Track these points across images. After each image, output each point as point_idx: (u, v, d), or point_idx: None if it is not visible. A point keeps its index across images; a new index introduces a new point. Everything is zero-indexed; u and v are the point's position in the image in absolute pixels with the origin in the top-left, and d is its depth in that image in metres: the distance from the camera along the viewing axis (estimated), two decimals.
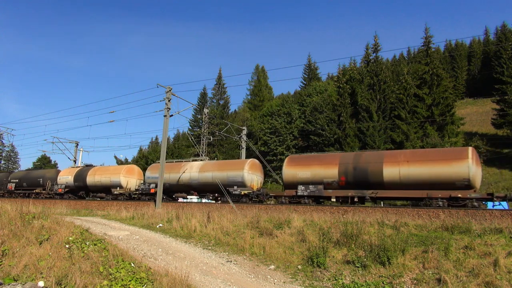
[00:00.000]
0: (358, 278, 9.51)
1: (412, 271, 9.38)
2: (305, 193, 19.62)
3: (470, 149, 16.72)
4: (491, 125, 42.35)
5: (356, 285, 9.16)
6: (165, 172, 24.43)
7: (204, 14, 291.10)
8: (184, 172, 25.10)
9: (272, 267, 10.62)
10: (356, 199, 18.29)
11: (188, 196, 25.84)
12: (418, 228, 12.08)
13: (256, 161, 24.52)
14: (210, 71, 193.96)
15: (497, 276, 8.37)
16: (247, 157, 31.97)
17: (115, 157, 70.05)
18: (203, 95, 56.84)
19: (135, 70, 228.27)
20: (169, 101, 23.63)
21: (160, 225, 15.89)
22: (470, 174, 15.86)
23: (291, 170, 20.49)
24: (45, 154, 61.93)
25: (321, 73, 67.36)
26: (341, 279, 9.56)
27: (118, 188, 28.33)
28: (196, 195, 25.43)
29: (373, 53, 40.27)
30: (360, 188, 18.40)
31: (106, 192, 29.68)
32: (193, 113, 55.17)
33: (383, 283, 9.11)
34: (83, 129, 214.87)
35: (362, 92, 38.24)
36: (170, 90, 23.80)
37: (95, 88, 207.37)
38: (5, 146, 66.82)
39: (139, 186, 27.45)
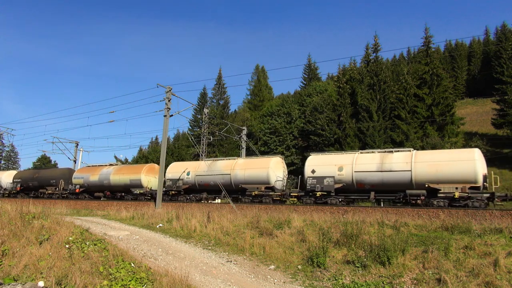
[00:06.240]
0: (358, 278, 9.50)
1: (412, 271, 9.38)
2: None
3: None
4: (491, 125, 42.28)
5: (356, 285, 9.16)
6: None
7: (204, 14, 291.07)
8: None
9: (272, 267, 10.62)
10: None
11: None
12: (418, 228, 12.08)
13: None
14: (210, 71, 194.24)
15: (497, 276, 8.37)
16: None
17: (115, 157, 69.93)
18: (203, 95, 56.77)
19: (135, 70, 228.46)
20: (169, 101, 23.62)
21: (160, 225, 15.89)
22: None
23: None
24: (45, 154, 61.90)
25: (321, 73, 67.07)
26: (341, 279, 9.56)
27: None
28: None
29: (373, 53, 40.20)
30: None
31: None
32: (193, 113, 55.13)
33: (383, 283, 9.11)
34: (83, 129, 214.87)
35: (362, 92, 38.17)
36: (170, 90, 23.80)
37: (95, 88, 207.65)
38: (5, 146, 66.71)
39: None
